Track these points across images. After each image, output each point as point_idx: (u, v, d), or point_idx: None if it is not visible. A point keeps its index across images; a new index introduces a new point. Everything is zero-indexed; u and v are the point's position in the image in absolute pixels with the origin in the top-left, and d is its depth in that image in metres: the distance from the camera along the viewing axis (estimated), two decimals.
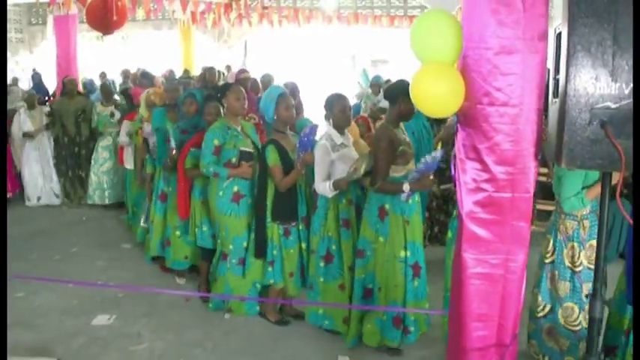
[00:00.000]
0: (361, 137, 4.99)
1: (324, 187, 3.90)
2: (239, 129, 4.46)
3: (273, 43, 17.61)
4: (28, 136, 7.99)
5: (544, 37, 2.29)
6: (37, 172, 8.12)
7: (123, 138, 6.70)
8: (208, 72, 8.72)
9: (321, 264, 4.07)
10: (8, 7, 17.94)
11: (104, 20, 8.65)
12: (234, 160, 4.37)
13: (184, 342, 4.16)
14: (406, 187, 3.57)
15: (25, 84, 12.55)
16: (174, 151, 4.92)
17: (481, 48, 2.33)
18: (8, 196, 8.07)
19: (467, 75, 2.41)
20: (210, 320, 4.49)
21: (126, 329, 4.35)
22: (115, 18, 8.50)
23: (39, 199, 8.16)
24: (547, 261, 3.58)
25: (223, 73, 12.33)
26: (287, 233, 4.22)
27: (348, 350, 3.99)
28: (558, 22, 2.30)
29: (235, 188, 4.39)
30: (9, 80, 11.95)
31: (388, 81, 10.16)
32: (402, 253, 3.72)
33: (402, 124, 3.89)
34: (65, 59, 9.58)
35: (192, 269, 5.28)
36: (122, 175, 7.43)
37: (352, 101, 8.07)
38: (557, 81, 2.29)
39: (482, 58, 2.33)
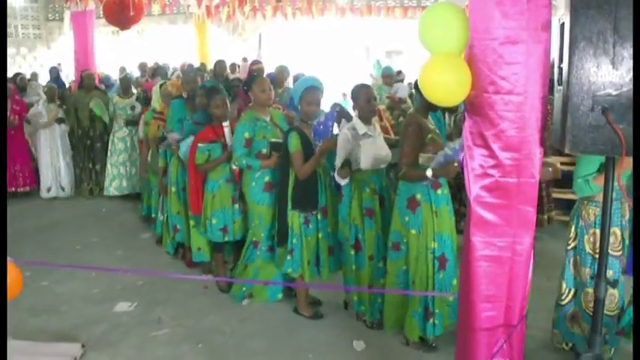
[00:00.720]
0: None
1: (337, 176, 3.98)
2: (268, 119, 4.49)
3: (287, 35, 17.70)
4: (37, 127, 8.15)
5: (547, 27, 2.36)
6: (48, 164, 8.29)
7: (142, 134, 6.71)
8: (218, 65, 8.72)
9: (352, 252, 4.12)
10: (26, 4, 18.24)
11: (121, 16, 8.80)
12: (264, 151, 4.40)
13: (203, 328, 4.28)
14: (429, 172, 3.53)
15: (43, 79, 12.76)
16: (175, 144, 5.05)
17: (487, 39, 2.40)
18: (25, 189, 8.30)
19: (473, 65, 2.49)
20: (229, 307, 4.60)
21: (146, 316, 4.48)
22: (131, 13, 8.64)
23: (49, 190, 8.32)
24: (569, 247, 3.59)
25: (238, 66, 12.46)
26: (307, 222, 4.25)
27: (363, 335, 4.08)
28: (562, 12, 2.37)
29: (267, 178, 4.44)
30: (28, 75, 12.19)
31: (400, 72, 10.20)
32: (432, 244, 3.74)
33: None
34: (83, 54, 9.68)
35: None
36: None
37: None
38: (561, 69, 2.37)
39: (488, 49, 2.40)
